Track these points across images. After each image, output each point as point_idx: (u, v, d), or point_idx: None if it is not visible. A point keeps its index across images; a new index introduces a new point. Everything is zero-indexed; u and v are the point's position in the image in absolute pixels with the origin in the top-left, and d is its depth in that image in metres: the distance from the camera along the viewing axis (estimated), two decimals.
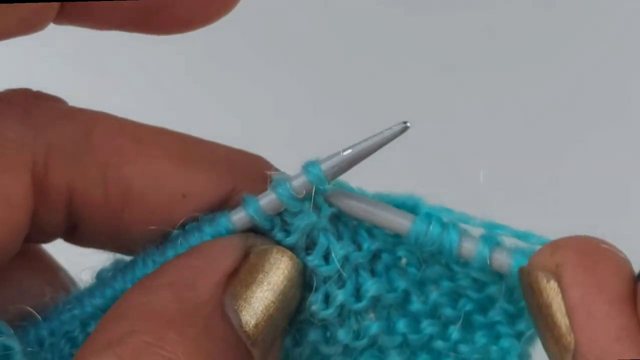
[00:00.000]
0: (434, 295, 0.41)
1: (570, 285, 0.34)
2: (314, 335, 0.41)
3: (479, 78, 0.89)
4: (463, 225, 0.39)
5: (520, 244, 0.39)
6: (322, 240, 0.40)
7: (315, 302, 0.40)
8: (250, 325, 0.38)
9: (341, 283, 0.41)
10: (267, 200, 0.40)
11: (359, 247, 0.41)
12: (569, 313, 0.34)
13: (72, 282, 0.44)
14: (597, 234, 0.36)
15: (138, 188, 0.40)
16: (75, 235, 0.42)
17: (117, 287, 0.40)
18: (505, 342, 0.41)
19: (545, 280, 0.35)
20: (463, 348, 0.41)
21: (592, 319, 0.34)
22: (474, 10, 0.91)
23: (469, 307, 0.41)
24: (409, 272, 0.41)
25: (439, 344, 0.41)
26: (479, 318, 0.41)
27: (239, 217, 0.40)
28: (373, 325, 0.41)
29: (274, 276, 0.39)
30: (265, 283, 0.39)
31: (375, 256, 0.41)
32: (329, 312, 0.40)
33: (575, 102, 0.90)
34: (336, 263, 0.40)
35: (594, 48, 0.91)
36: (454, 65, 0.89)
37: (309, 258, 0.40)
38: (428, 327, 0.41)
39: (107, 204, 0.40)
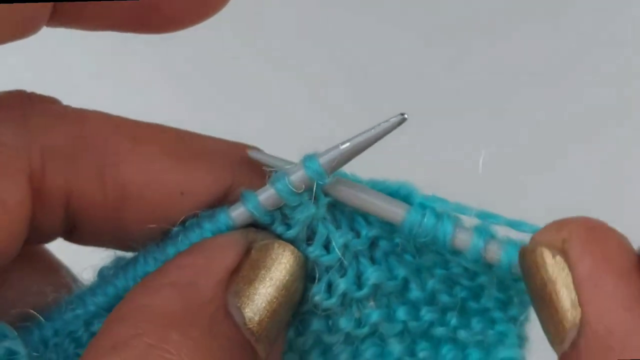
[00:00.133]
0: (431, 282, 0.41)
1: (578, 259, 0.35)
2: (316, 324, 0.42)
3: (480, 76, 0.90)
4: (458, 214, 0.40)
5: (514, 233, 0.39)
6: (321, 230, 0.40)
7: (318, 293, 0.40)
8: (254, 322, 0.38)
9: (342, 272, 0.41)
10: (266, 195, 0.39)
11: (358, 234, 0.41)
12: (577, 286, 0.35)
13: (74, 280, 0.43)
14: None
15: (136, 187, 0.40)
16: (74, 234, 0.42)
17: (119, 285, 0.41)
18: (501, 327, 0.41)
19: (551, 256, 0.36)
20: (462, 334, 0.42)
21: (601, 291, 0.34)
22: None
23: (463, 294, 0.41)
24: (406, 259, 0.41)
25: (439, 330, 0.42)
26: (473, 305, 0.42)
27: (238, 212, 0.40)
28: (374, 313, 0.41)
29: (276, 271, 0.39)
30: (267, 279, 0.39)
31: (373, 243, 0.41)
32: (332, 302, 0.41)
33: (573, 98, 0.90)
34: (337, 252, 0.40)
35: (595, 47, 0.91)
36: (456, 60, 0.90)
37: (310, 249, 0.40)
38: (427, 313, 0.42)
39: (106, 204, 0.40)
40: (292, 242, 0.40)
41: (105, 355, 0.35)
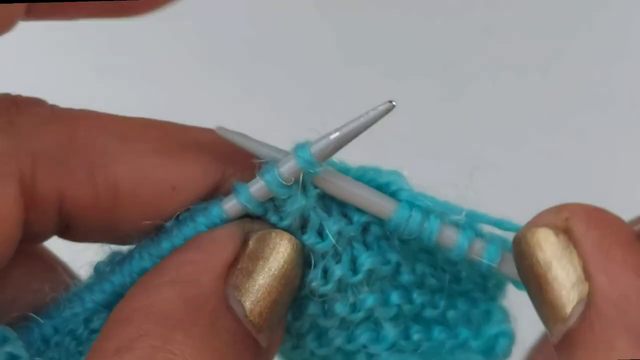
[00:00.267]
0: (419, 266, 0.42)
1: (583, 233, 0.36)
2: (312, 309, 0.42)
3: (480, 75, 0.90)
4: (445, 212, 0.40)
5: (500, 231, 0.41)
6: (313, 218, 0.40)
7: (314, 279, 0.41)
8: (255, 314, 0.38)
9: (337, 258, 0.41)
10: (257, 187, 0.39)
11: (350, 221, 0.41)
12: (585, 259, 0.35)
13: (72, 276, 0.44)
14: None
15: (127, 185, 0.40)
16: (68, 233, 0.42)
17: (115, 282, 0.41)
18: (484, 306, 0.42)
19: (554, 235, 0.36)
20: (450, 314, 0.43)
21: (612, 259, 0.35)
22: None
23: (447, 276, 0.42)
24: (396, 244, 0.41)
25: (429, 312, 0.42)
26: (456, 287, 0.42)
27: (231, 205, 0.40)
28: (369, 298, 0.41)
29: (274, 261, 0.39)
30: (266, 269, 0.39)
31: (365, 228, 0.41)
32: (329, 287, 0.41)
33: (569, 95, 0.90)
34: (331, 238, 0.40)
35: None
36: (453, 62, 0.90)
37: (305, 237, 0.40)
38: (419, 297, 0.42)
39: (98, 204, 0.40)
40: (287, 230, 0.40)
41: (109, 359, 0.35)
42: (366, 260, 0.41)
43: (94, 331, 0.40)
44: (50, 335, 0.41)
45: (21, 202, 0.39)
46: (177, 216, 0.41)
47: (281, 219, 0.40)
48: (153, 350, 0.35)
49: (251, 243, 0.39)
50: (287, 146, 0.40)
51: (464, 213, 0.40)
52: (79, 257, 0.43)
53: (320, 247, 0.40)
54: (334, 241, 0.40)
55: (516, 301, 0.43)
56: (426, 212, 0.39)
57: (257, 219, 0.40)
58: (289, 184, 0.39)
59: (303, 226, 0.41)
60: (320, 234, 0.40)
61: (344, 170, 0.41)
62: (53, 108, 0.41)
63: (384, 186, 0.40)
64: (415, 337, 0.42)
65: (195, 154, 0.41)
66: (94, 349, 0.36)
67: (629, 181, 0.39)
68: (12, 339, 0.38)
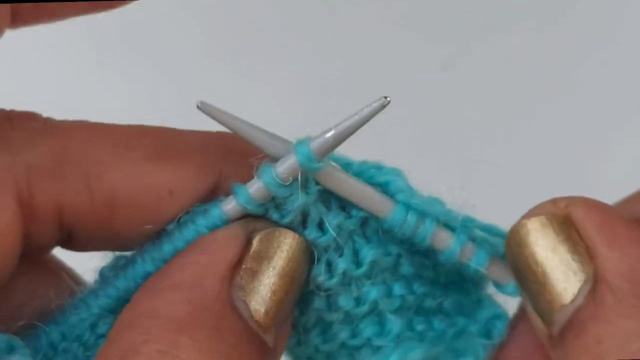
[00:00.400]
0: (416, 257, 0.42)
1: (584, 217, 0.37)
2: (317, 303, 0.42)
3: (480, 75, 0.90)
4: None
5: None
6: (313, 213, 0.40)
7: (319, 274, 0.41)
8: (261, 314, 0.38)
9: (340, 251, 0.41)
10: (256, 188, 0.39)
11: (349, 214, 0.41)
12: (590, 240, 0.36)
13: (77, 281, 0.44)
14: None
15: (124, 192, 0.40)
16: (70, 243, 0.42)
17: (120, 287, 0.41)
18: (475, 294, 0.43)
19: (554, 222, 0.37)
20: (447, 304, 0.43)
21: (616, 237, 0.36)
22: None
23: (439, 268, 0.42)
24: (394, 236, 0.42)
25: (429, 303, 0.43)
26: (445, 278, 0.43)
27: (231, 207, 0.40)
28: (372, 291, 0.41)
29: (279, 260, 0.39)
30: (270, 268, 0.39)
31: (364, 222, 0.41)
32: (334, 281, 0.41)
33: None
34: (332, 232, 0.40)
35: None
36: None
37: (306, 232, 0.40)
38: (419, 288, 0.42)
39: (97, 213, 0.40)
40: (289, 227, 0.40)
41: None
42: (368, 252, 0.41)
43: (101, 336, 0.40)
44: (57, 342, 0.41)
45: (19, 216, 0.39)
46: (178, 219, 0.41)
47: (283, 216, 0.40)
48: (159, 355, 0.35)
49: (255, 243, 0.39)
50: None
51: (459, 218, 0.41)
52: (85, 262, 0.43)
53: (322, 241, 0.40)
54: (334, 234, 0.40)
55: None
56: (422, 215, 0.40)
57: (260, 218, 0.40)
58: (287, 183, 0.39)
59: (304, 221, 0.41)
60: (321, 227, 0.41)
61: (346, 165, 0.41)
62: (46, 121, 0.41)
63: (383, 185, 0.40)
64: (419, 327, 0.42)
65: (190, 157, 0.41)
66: (101, 354, 0.36)
67: (628, 180, 0.40)
68: (18, 347, 0.38)
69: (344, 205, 0.41)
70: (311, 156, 0.38)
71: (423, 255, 0.42)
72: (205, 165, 0.41)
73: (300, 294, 0.40)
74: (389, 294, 0.42)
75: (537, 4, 0.93)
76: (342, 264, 0.41)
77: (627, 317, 0.35)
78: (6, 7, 0.37)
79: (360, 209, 0.41)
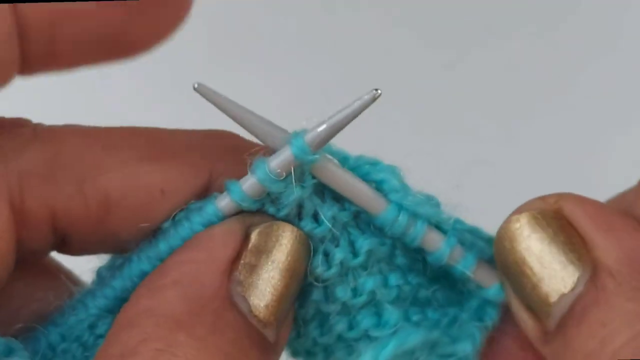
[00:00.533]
0: (408, 249, 0.42)
1: (577, 210, 0.37)
2: (315, 295, 0.42)
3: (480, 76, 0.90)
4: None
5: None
6: (308, 205, 0.40)
7: (317, 265, 0.41)
8: (260, 309, 0.38)
9: (336, 242, 0.41)
10: (250, 184, 0.39)
11: (342, 206, 0.41)
12: (585, 230, 0.37)
13: (75, 282, 0.44)
14: None
15: (116, 193, 0.40)
16: (65, 247, 0.42)
17: (116, 286, 0.41)
18: (466, 285, 0.43)
19: (547, 216, 0.38)
20: (439, 295, 0.43)
21: (612, 226, 0.37)
22: None
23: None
24: None
25: (423, 294, 0.43)
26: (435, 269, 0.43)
27: (225, 203, 0.40)
28: (369, 281, 0.41)
29: (278, 253, 0.39)
30: (269, 262, 0.38)
31: (357, 214, 0.41)
32: (333, 271, 0.41)
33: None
34: (327, 223, 0.40)
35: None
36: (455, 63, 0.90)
37: (302, 224, 0.40)
38: (414, 278, 0.42)
39: (90, 216, 0.40)
40: (285, 220, 0.40)
41: None
42: (364, 242, 0.41)
43: (100, 336, 0.40)
44: (56, 343, 0.41)
45: (12, 223, 0.39)
46: (173, 217, 0.41)
47: (279, 209, 0.40)
48: (157, 354, 0.35)
49: (253, 237, 0.39)
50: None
51: (451, 221, 0.41)
52: (83, 263, 0.44)
53: (318, 232, 0.40)
54: (329, 225, 0.40)
55: None
56: (414, 216, 0.40)
57: (258, 212, 0.40)
58: (281, 178, 0.38)
59: (299, 213, 0.40)
60: (316, 219, 0.41)
61: (343, 159, 0.41)
62: (36, 127, 0.41)
63: (378, 183, 0.40)
64: (415, 318, 0.43)
65: (182, 157, 0.41)
66: (100, 354, 0.36)
67: (626, 184, 0.40)
68: (17, 349, 0.38)
69: (338, 197, 0.41)
70: (307, 149, 0.38)
71: (413, 248, 0.42)
72: (197, 164, 0.41)
73: (300, 287, 0.40)
74: (385, 284, 0.42)
75: (537, 9, 0.93)
76: (339, 254, 0.41)
77: (629, 299, 0.35)
78: (16, 52, 0.37)
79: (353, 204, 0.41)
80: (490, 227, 0.42)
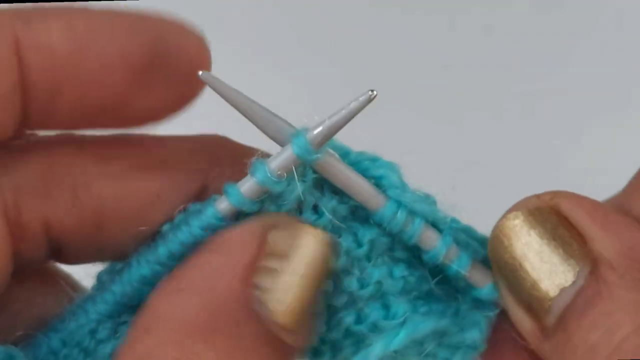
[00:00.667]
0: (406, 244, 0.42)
1: (573, 207, 0.38)
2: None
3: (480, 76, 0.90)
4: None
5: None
6: (308, 199, 0.40)
7: None
8: (280, 315, 0.36)
9: (338, 233, 0.41)
10: (249, 187, 0.39)
11: (341, 199, 0.41)
12: (583, 226, 0.37)
13: (75, 287, 0.44)
14: None
15: (111, 202, 0.40)
16: (62, 257, 0.42)
17: (116, 291, 0.41)
18: (463, 281, 0.43)
19: (544, 212, 0.38)
20: (439, 288, 0.43)
21: (609, 221, 0.37)
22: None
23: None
24: None
25: (425, 286, 0.43)
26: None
27: (225, 206, 0.39)
28: (375, 271, 0.41)
29: (298, 257, 0.37)
30: (290, 266, 0.37)
31: (354, 209, 0.42)
32: (340, 262, 0.40)
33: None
34: (327, 214, 0.40)
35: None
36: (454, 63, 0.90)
37: (303, 216, 0.40)
38: (416, 270, 0.42)
39: (85, 225, 0.40)
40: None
41: None
42: (366, 232, 0.41)
43: (100, 341, 0.41)
44: (58, 349, 0.41)
45: (8, 235, 0.39)
46: (172, 220, 0.41)
47: (280, 206, 0.40)
48: None
49: (272, 241, 0.37)
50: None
51: (448, 220, 0.41)
52: (81, 269, 0.44)
53: (320, 223, 0.40)
54: (330, 216, 0.40)
55: None
56: (411, 214, 0.40)
57: (278, 212, 0.39)
58: (281, 178, 0.38)
59: (299, 206, 0.40)
60: (316, 210, 0.40)
61: (344, 154, 0.41)
62: (29, 138, 0.41)
63: (377, 179, 0.40)
64: (422, 309, 0.42)
65: (175, 162, 0.41)
66: (118, 357, 0.36)
67: (625, 180, 0.40)
68: (18, 357, 0.38)
69: (336, 190, 0.41)
70: (309, 148, 0.38)
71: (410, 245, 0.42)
72: (191, 169, 0.41)
73: (323, 289, 0.39)
74: (390, 275, 0.42)
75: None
76: (344, 243, 0.40)
77: (632, 289, 0.35)
78: (17, 108, 0.37)
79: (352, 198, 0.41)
80: (481, 228, 0.42)
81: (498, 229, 0.39)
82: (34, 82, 0.36)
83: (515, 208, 0.39)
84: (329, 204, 0.40)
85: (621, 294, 0.36)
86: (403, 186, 0.40)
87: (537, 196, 0.39)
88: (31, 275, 0.43)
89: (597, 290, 0.36)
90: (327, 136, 0.39)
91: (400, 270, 0.42)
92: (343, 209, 0.41)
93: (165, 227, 0.41)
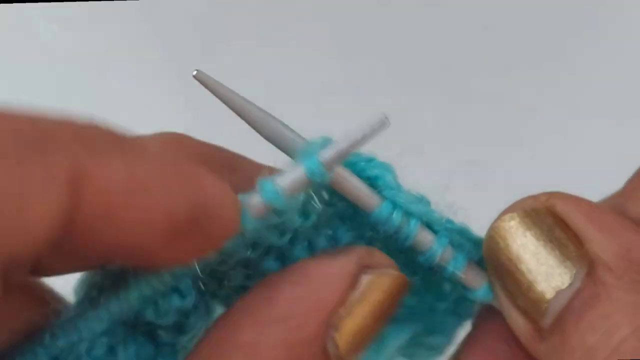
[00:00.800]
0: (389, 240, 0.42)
1: (569, 207, 0.38)
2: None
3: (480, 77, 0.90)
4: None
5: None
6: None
7: (300, 256, 0.40)
8: (345, 353, 0.36)
9: (317, 232, 0.41)
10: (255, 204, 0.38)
11: (331, 200, 0.41)
12: (579, 228, 0.37)
13: (61, 301, 0.42)
14: None
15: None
16: (37, 273, 0.39)
17: (112, 309, 0.39)
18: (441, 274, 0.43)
19: (540, 213, 0.38)
20: (416, 282, 0.43)
21: (606, 222, 0.37)
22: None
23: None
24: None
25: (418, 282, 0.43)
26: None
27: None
28: None
29: (377, 301, 0.37)
30: (368, 308, 0.37)
31: (340, 212, 0.41)
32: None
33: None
34: (314, 216, 0.40)
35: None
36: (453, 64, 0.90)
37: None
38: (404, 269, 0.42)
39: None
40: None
41: None
42: (345, 234, 0.41)
43: (96, 359, 0.39)
44: None
45: None
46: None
47: (282, 234, 0.39)
48: None
49: (364, 283, 0.37)
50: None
51: (443, 221, 0.41)
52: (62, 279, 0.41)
53: (305, 224, 0.40)
54: (316, 218, 0.40)
55: None
56: (407, 215, 0.40)
57: (373, 251, 0.39)
58: (294, 197, 0.38)
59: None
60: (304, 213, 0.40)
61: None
62: None
63: (372, 179, 0.40)
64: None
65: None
66: None
67: (622, 181, 0.40)
68: None
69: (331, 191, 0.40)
70: (322, 171, 0.38)
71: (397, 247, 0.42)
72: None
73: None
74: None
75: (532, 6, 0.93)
76: (321, 244, 0.40)
77: (630, 291, 0.36)
78: (44, 244, 0.33)
79: (342, 199, 0.40)
80: (476, 229, 0.42)
81: (493, 230, 0.39)
82: (82, 214, 0.33)
83: (510, 209, 0.39)
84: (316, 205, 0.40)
85: (619, 295, 0.36)
86: (398, 187, 0.40)
87: (533, 197, 0.39)
88: (16, 290, 0.40)
89: (595, 292, 0.36)
90: (340, 158, 0.38)
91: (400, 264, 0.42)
92: (328, 210, 0.41)
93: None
